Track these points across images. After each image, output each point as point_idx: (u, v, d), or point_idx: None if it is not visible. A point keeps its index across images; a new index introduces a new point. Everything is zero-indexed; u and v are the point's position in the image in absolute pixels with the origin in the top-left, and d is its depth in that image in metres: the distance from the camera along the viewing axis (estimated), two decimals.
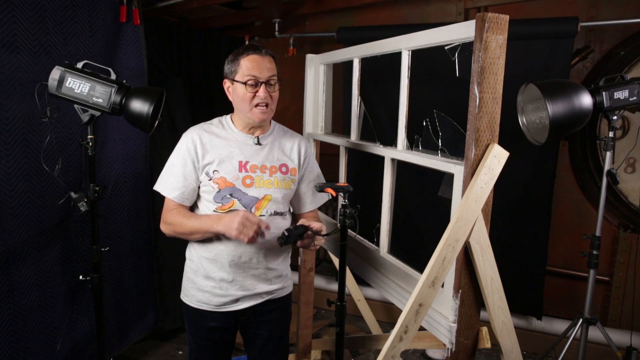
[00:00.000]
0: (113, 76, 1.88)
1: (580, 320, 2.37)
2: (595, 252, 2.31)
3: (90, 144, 1.89)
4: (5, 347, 2.13)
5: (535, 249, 3.01)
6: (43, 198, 2.24)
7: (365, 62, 2.09)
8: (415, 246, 3.13)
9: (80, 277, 2.00)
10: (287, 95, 3.97)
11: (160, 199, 1.68)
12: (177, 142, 1.68)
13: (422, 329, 1.51)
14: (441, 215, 3.04)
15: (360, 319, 3.24)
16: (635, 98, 2.10)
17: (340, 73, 3.16)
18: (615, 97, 2.10)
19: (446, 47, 1.58)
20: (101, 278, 2.01)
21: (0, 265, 2.10)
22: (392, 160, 1.86)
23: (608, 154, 2.22)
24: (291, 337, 1.91)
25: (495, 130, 1.38)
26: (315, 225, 1.53)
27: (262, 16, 3.71)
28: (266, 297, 1.73)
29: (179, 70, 3.52)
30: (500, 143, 1.38)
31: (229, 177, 1.60)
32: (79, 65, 1.87)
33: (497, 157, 1.37)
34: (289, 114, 4.00)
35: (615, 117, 2.14)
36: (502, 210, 2.91)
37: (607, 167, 2.22)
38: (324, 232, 1.55)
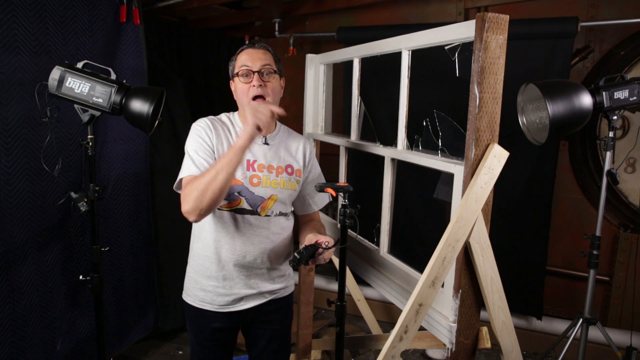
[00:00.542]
0: (113, 76, 1.88)
1: (580, 320, 2.37)
2: (595, 252, 2.31)
3: (90, 143, 1.89)
4: (5, 346, 2.13)
5: (535, 249, 3.01)
6: (43, 198, 2.24)
7: (365, 62, 2.09)
8: (415, 246, 3.13)
9: (80, 277, 2.00)
10: (287, 95, 3.94)
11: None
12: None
13: (422, 329, 1.51)
14: (441, 215, 3.05)
15: (360, 319, 3.24)
16: (635, 98, 2.10)
17: (340, 73, 3.16)
18: (615, 97, 2.10)
19: (446, 47, 1.58)
20: (101, 278, 2.01)
21: (0, 265, 2.10)
22: (392, 160, 1.86)
23: (608, 154, 2.22)
24: (291, 337, 1.91)
25: (495, 130, 1.38)
26: (322, 239, 1.48)
27: (262, 16, 3.71)
28: (269, 297, 1.73)
29: (179, 70, 3.52)
30: (500, 143, 1.38)
31: (237, 175, 1.59)
32: (79, 65, 1.87)
33: (497, 157, 1.37)
34: (289, 114, 3.97)
35: (615, 117, 2.14)
36: (502, 210, 2.91)
37: (607, 167, 2.22)
38: (332, 245, 1.50)
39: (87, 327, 2.54)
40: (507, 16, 1.33)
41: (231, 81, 1.67)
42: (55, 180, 2.24)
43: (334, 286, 3.67)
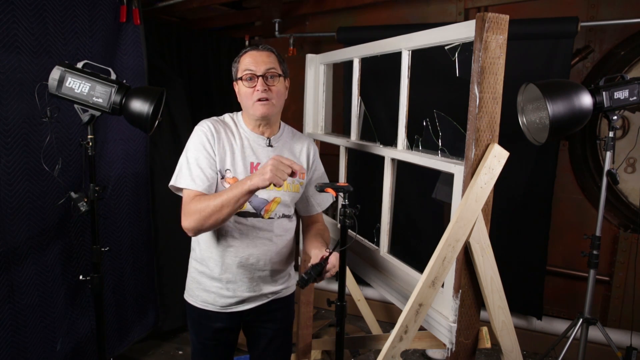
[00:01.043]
0: (113, 76, 1.88)
1: (580, 320, 2.37)
2: (595, 252, 2.31)
3: (90, 144, 1.89)
4: (5, 346, 2.13)
5: (535, 249, 3.01)
6: (43, 198, 2.24)
7: (365, 62, 2.09)
8: (415, 246, 3.13)
9: (80, 277, 2.00)
10: (287, 95, 3.97)
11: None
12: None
13: (422, 329, 1.51)
14: (441, 215, 3.05)
15: (360, 319, 3.24)
16: (635, 98, 2.10)
17: (340, 73, 3.16)
18: (615, 97, 2.10)
19: (446, 47, 1.58)
20: (101, 278, 2.01)
21: (0, 265, 2.10)
22: (392, 160, 1.86)
23: (608, 154, 2.22)
24: (292, 337, 1.91)
25: (495, 130, 1.38)
26: (329, 257, 1.47)
27: (262, 16, 3.71)
28: (271, 297, 1.73)
29: (179, 70, 3.52)
30: (500, 143, 1.38)
31: (240, 178, 1.59)
32: (79, 65, 1.87)
33: (497, 157, 1.37)
34: (289, 114, 4.00)
35: (615, 117, 2.14)
36: (502, 210, 2.90)
37: (607, 167, 2.22)
38: (333, 249, 1.50)
39: (87, 327, 2.54)
40: (507, 16, 1.33)
41: (234, 83, 1.65)
42: (55, 180, 2.24)
43: (334, 286, 3.67)
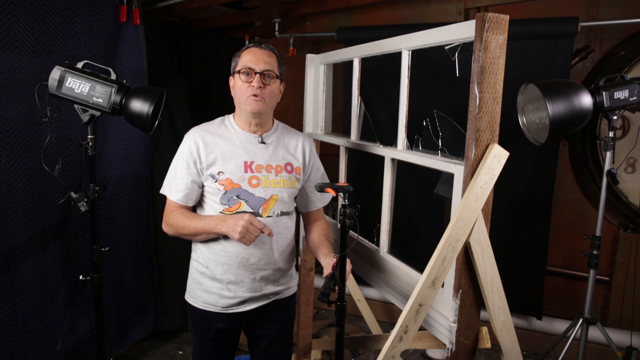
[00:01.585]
0: (113, 76, 1.88)
1: (580, 320, 2.37)
2: (595, 252, 2.31)
3: (90, 144, 1.89)
4: (5, 347, 2.13)
5: (535, 249, 3.01)
6: (43, 198, 2.24)
7: (365, 62, 2.09)
8: (415, 246, 3.13)
9: (80, 277, 2.00)
10: (287, 95, 3.94)
11: (160, 199, 1.68)
12: (177, 142, 1.68)
13: (422, 329, 1.51)
14: (441, 215, 3.05)
15: (360, 319, 3.24)
16: (635, 98, 2.10)
17: (340, 73, 3.16)
18: (615, 97, 2.10)
19: (446, 47, 1.58)
20: (101, 278, 2.01)
21: (0, 265, 2.09)
22: (392, 160, 1.86)
23: (608, 154, 2.22)
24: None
25: (495, 130, 1.38)
26: (332, 262, 1.52)
27: (262, 16, 3.71)
28: (273, 298, 1.73)
29: (179, 70, 3.52)
30: (500, 143, 1.38)
31: (234, 179, 1.59)
32: (79, 65, 1.87)
33: (497, 157, 1.37)
34: (289, 114, 4.00)
35: (615, 117, 2.14)
36: (502, 210, 2.91)
37: (607, 167, 2.22)
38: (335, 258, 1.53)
39: (87, 327, 2.54)
40: (507, 16, 1.33)
41: (231, 77, 1.66)
42: (55, 180, 2.24)
43: None
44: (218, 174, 1.59)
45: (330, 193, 1.76)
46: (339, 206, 1.71)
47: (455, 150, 1.67)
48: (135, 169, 2.76)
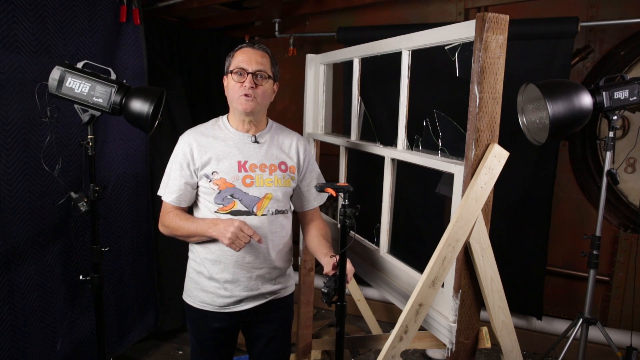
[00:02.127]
0: (113, 76, 1.88)
1: (580, 320, 2.37)
2: (595, 252, 2.31)
3: (90, 143, 1.89)
4: (5, 347, 2.13)
5: (535, 249, 3.01)
6: (43, 198, 2.24)
7: (365, 62, 2.09)
8: (415, 246, 3.12)
9: (80, 277, 2.00)
10: (287, 95, 3.98)
11: (160, 199, 1.69)
12: (177, 142, 1.69)
13: (422, 329, 1.51)
14: (441, 215, 3.05)
15: (360, 319, 3.24)
16: (635, 98, 2.10)
17: (340, 73, 3.16)
18: (615, 97, 2.10)
19: (446, 47, 1.58)
20: (101, 278, 2.01)
21: (0, 265, 2.09)
22: (392, 160, 1.86)
23: (608, 154, 2.22)
24: (291, 337, 1.91)
25: (495, 130, 1.38)
26: (332, 261, 1.53)
27: (262, 16, 3.71)
28: (270, 297, 1.73)
29: (179, 70, 3.52)
30: (500, 143, 1.38)
31: (228, 178, 1.60)
32: (79, 65, 1.87)
33: (497, 157, 1.37)
34: (289, 114, 4.00)
35: (615, 117, 2.14)
36: (502, 210, 2.91)
37: (607, 167, 2.22)
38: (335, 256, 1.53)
39: (87, 327, 2.54)
40: (507, 16, 1.33)
41: (225, 77, 1.68)
42: (55, 180, 2.24)
43: None
44: (212, 173, 1.61)
45: (327, 192, 1.76)
46: (339, 206, 1.71)
47: (455, 150, 1.67)
48: (135, 169, 2.76)
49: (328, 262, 1.54)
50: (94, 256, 1.99)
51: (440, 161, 1.56)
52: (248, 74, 1.59)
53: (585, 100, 1.99)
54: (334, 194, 1.54)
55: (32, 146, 2.17)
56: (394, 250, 1.92)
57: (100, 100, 1.83)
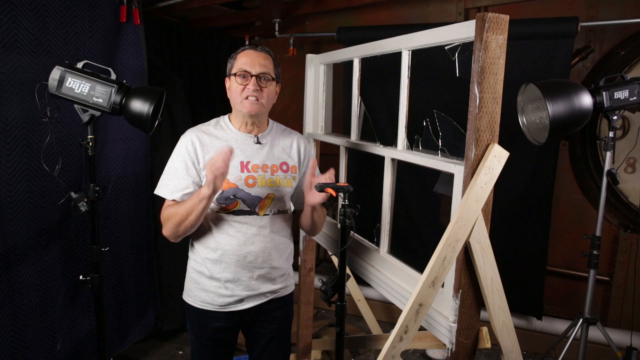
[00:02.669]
0: (113, 76, 1.88)
1: (581, 320, 2.37)
2: (595, 252, 2.31)
3: (91, 144, 1.89)
4: (6, 347, 2.13)
5: (535, 249, 3.01)
6: (43, 198, 2.24)
7: (365, 62, 2.09)
8: (415, 246, 3.13)
9: (80, 277, 2.00)
10: (287, 95, 3.97)
11: (160, 199, 1.68)
12: (177, 142, 1.68)
13: (422, 329, 1.51)
14: (441, 215, 3.05)
15: (360, 319, 3.24)
16: (635, 98, 2.10)
17: (340, 73, 3.16)
18: (615, 97, 2.10)
19: (446, 47, 1.58)
20: (101, 278, 2.01)
21: (0, 265, 2.10)
22: (392, 160, 1.85)
23: (608, 154, 2.22)
24: (291, 337, 1.91)
25: (495, 130, 1.38)
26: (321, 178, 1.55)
27: (262, 16, 3.71)
28: (270, 297, 1.73)
29: (179, 70, 3.52)
30: (500, 143, 1.38)
31: (231, 178, 1.60)
32: (79, 65, 1.87)
33: (497, 157, 1.37)
34: (289, 114, 4.00)
35: (615, 117, 2.14)
36: (502, 210, 2.91)
37: (607, 167, 2.22)
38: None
39: (87, 327, 2.54)
40: (507, 16, 1.33)
41: (227, 78, 1.67)
42: (55, 181, 2.24)
43: None
44: None
45: (327, 192, 1.77)
46: (339, 206, 1.72)
47: (455, 150, 1.67)
48: (135, 169, 2.76)
49: (308, 180, 1.58)
50: (94, 256, 1.99)
51: (440, 161, 1.56)
52: (252, 76, 1.59)
53: (585, 100, 1.99)
54: (334, 194, 1.54)
55: (32, 146, 2.17)
56: (394, 250, 1.92)
57: (100, 100, 1.83)
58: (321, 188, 1.56)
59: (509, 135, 2.05)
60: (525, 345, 2.88)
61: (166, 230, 1.61)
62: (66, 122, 2.32)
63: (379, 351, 1.46)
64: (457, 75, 1.67)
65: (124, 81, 1.90)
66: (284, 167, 1.70)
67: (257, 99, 1.60)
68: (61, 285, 2.39)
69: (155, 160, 2.93)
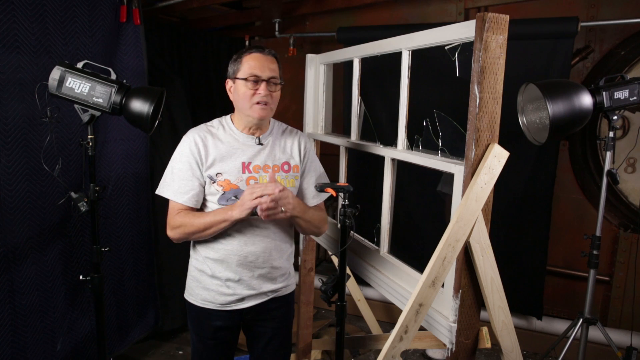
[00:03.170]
0: (113, 76, 1.88)
1: (581, 320, 2.37)
2: (595, 252, 2.31)
3: (91, 143, 1.89)
4: (6, 347, 2.13)
5: (535, 249, 3.01)
6: (43, 198, 2.24)
7: (365, 62, 2.09)
8: (415, 246, 3.13)
9: (81, 277, 2.00)
10: (287, 95, 3.97)
11: (160, 199, 1.67)
12: (177, 142, 1.68)
13: (422, 329, 1.51)
14: (441, 215, 3.05)
15: (360, 319, 3.24)
16: (635, 98, 2.10)
17: (340, 73, 3.16)
18: (615, 97, 2.10)
19: (446, 47, 1.58)
20: (101, 278, 2.01)
21: (0, 265, 2.10)
22: (392, 160, 1.86)
23: (608, 154, 2.22)
24: (292, 337, 1.91)
25: (495, 130, 1.38)
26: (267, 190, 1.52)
27: (262, 16, 3.71)
28: (271, 296, 1.74)
29: (179, 70, 3.52)
30: (500, 143, 1.38)
31: (233, 179, 1.60)
32: (79, 65, 1.87)
33: (497, 157, 1.37)
34: (289, 114, 4.00)
35: (615, 117, 2.14)
36: (502, 210, 2.91)
37: (607, 167, 2.22)
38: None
39: (87, 327, 2.54)
40: (507, 16, 1.33)
41: (229, 79, 1.66)
42: (55, 180, 2.24)
43: None
44: (216, 175, 1.61)
45: (327, 192, 1.77)
46: (339, 206, 1.72)
47: (455, 150, 1.67)
48: (135, 169, 2.76)
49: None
50: (94, 256, 1.99)
51: (440, 161, 1.56)
52: (262, 81, 1.59)
53: (586, 100, 1.99)
54: (334, 194, 1.55)
55: (32, 146, 2.17)
56: (394, 250, 1.92)
57: (100, 100, 1.83)
58: (321, 188, 1.56)
59: (509, 135, 2.05)
60: (525, 345, 2.88)
61: (174, 234, 1.62)
62: (66, 122, 2.32)
63: (379, 351, 1.46)
64: (457, 75, 1.67)
65: (124, 81, 1.90)
66: (286, 167, 1.70)
67: (267, 104, 1.60)
68: (61, 285, 2.39)
69: (155, 160, 2.93)
